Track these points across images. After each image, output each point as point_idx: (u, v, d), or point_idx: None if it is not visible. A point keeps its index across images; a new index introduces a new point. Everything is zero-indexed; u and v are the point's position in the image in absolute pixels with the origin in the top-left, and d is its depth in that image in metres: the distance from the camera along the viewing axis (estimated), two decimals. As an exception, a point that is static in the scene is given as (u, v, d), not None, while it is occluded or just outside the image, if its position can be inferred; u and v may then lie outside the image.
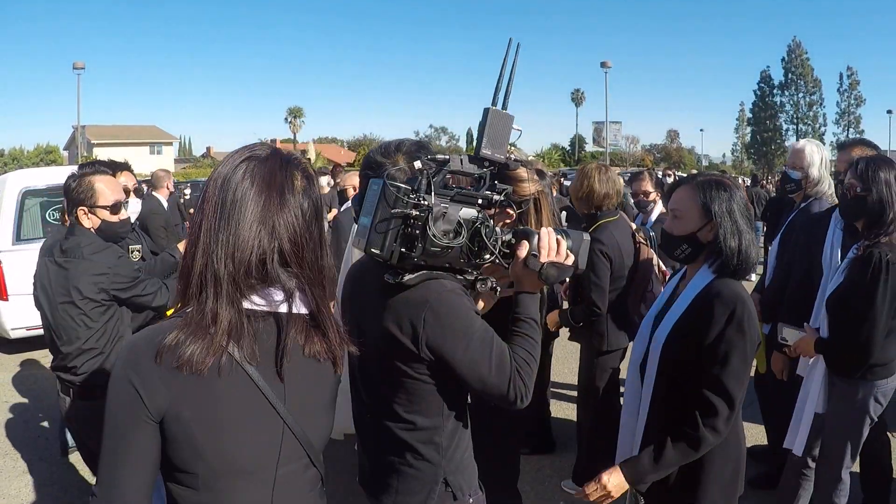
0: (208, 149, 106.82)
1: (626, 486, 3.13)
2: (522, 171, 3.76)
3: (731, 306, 2.99)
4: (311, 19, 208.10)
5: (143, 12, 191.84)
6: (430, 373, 2.52)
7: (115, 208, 4.28)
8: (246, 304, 1.87)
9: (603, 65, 74.09)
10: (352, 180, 8.63)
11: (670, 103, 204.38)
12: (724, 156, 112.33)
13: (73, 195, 4.08)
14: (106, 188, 4.23)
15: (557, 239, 2.60)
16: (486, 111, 2.53)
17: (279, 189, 1.90)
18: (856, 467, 4.56)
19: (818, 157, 5.29)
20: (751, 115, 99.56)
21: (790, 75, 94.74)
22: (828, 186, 5.30)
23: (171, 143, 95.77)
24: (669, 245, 3.29)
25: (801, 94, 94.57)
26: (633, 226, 5.77)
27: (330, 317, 2.03)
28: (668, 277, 5.38)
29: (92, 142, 74.97)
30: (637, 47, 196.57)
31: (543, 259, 2.55)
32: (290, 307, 1.92)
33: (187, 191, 26.75)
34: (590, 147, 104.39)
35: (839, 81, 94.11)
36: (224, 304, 1.82)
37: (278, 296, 1.91)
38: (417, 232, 2.33)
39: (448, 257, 2.44)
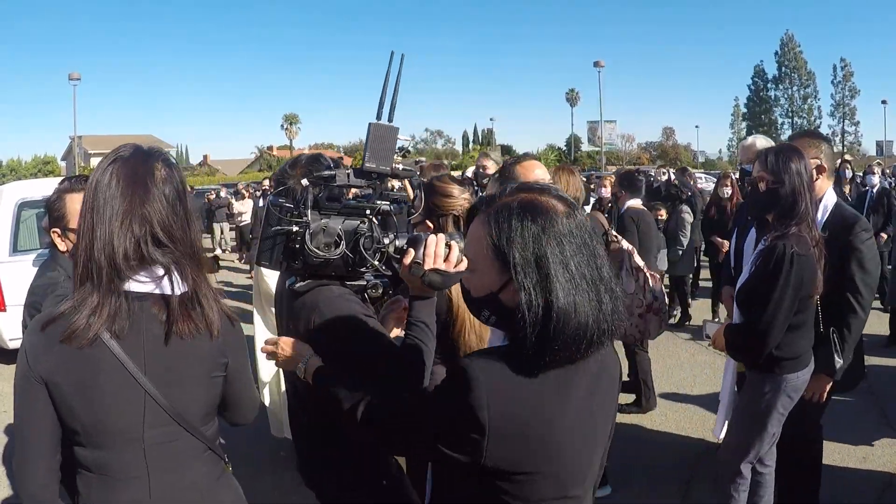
0: (205, 157, 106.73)
1: None
2: (450, 187, 3.74)
3: None
4: (305, 24, 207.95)
5: (137, 22, 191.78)
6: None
7: None
8: (128, 286, 2.19)
9: (596, 64, 74.22)
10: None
11: (665, 100, 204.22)
12: (720, 151, 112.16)
13: (51, 212, 3.68)
14: (79, 209, 3.69)
15: (449, 244, 2.64)
16: (369, 126, 2.73)
17: (142, 182, 2.23)
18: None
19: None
20: (745, 110, 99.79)
21: (784, 69, 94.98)
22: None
23: (167, 151, 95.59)
24: (471, 308, 2.20)
25: (795, 88, 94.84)
26: (605, 224, 5.76)
27: (206, 291, 2.32)
28: (647, 274, 5.44)
29: (89, 152, 75.13)
30: (630, 46, 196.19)
31: (428, 266, 2.59)
32: (172, 286, 2.23)
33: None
34: (585, 147, 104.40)
35: (833, 73, 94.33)
36: (103, 289, 2.16)
37: (160, 272, 2.23)
38: (297, 246, 2.64)
39: (331, 267, 2.72)
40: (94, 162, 68.19)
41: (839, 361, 4.24)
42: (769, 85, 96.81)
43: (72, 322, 2.14)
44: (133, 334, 2.20)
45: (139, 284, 2.21)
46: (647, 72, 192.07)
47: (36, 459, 2.25)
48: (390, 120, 2.77)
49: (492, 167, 7.85)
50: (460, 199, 3.67)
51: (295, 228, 2.63)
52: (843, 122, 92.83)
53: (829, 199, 4.52)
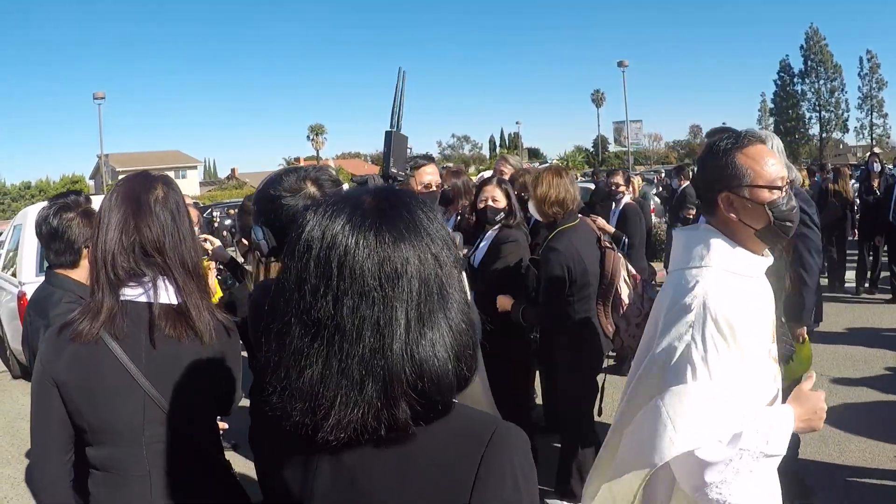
0: (233, 170, 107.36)
1: None
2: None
3: None
4: (329, 34, 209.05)
5: (158, 38, 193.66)
6: None
7: None
8: (124, 292, 2.42)
9: (620, 64, 73.85)
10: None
11: (691, 98, 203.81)
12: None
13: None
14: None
15: None
16: (389, 134, 2.96)
17: (136, 199, 2.48)
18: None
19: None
20: (773, 106, 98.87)
21: (810, 63, 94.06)
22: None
23: (195, 167, 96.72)
24: None
25: (821, 81, 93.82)
26: (598, 231, 5.66)
27: (197, 302, 2.52)
28: (638, 281, 5.37)
29: (116, 169, 75.73)
30: (653, 45, 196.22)
31: None
32: (156, 293, 2.45)
33: (216, 213, 26.82)
34: (612, 147, 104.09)
35: (859, 66, 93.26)
36: (105, 294, 2.40)
37: (148, 278, 2.45)
38: None
39: None
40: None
41: None
42: (795, 79, 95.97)
43: (78, 323, 2.39)
44: (132, 337, 2.42)
45: (132, 291, 2.46)
46: (672, 70, 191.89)
47: (48, 456, 2.48)
48: (399, 129, 3.00)
49: (509, 171, 7.79)
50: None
51: None
52: (872, 114, 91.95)
53: None
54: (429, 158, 4.54)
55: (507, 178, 7.52)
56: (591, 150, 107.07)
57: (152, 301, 2.45)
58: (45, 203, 3.76)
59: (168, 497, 2.47)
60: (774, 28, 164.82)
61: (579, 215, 5.41)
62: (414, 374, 1.32)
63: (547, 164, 7.79)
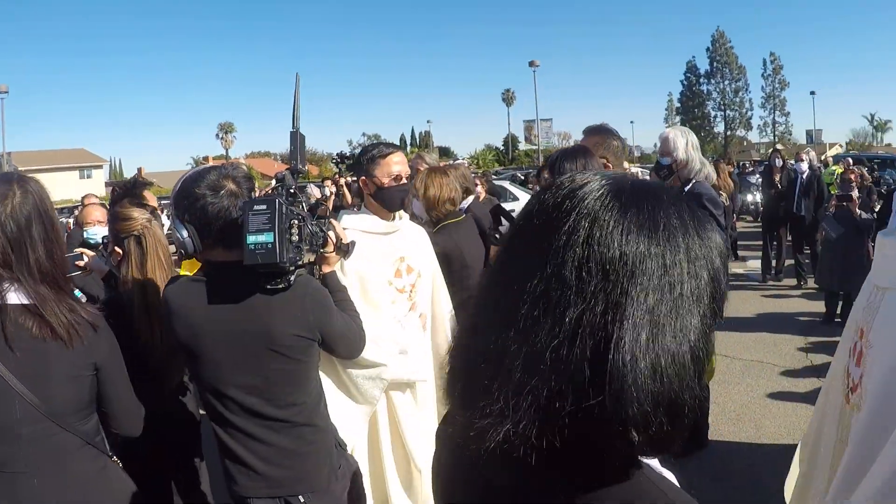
0: (139, 169, 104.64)
1: None
2: (130, 210, 3.71)
3: None
4: (237, 30, 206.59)
5: (63, 32, 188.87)
6: (312, 352, 3.09)
7: None
8: None
9: (531, 64, 74.55)
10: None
11: (600, 97, 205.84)
12: (655, 146, 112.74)
13: None
14: None
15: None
16: (298, 134, 3.26)
17: None
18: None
19: (682, 141, 5.77)
20: (679, 105, 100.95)
21: (715, 64, 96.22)
22: (699, 165, 5.70)
23: (100, 166, 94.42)
24: None
25: (727, 82, 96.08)
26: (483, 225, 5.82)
27: (52, 304, 2.57)
28: None
29: (19, 168, 73.38)
30: (564, 44, 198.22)
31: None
32: (4, 296, 2.50)
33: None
34: (523, 146, 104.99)
35: (763, 67, 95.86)
36: None
37: (5, 283, 2.51)
38: (299, 239, 2.92)
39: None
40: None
41: None
42: (701, 80, 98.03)
43: None
44: (6, 338, 2.49)
45: None
46: (582, 70, 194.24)
47: None
48: (298, 129, 3.27)
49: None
50: (140, 220, 3.66)
51: (296, 223, 2.91)
52: (774, 113, 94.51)
53: None
54: (394, 146, 4.35)
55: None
56: (502, 148, 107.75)
57: (4, 304, 2.52)
58: None
59: (57, 494, 2.58)
60: (682, 31, 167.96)
61: (465, 213, 5.72)
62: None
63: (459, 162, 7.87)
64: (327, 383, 3.66)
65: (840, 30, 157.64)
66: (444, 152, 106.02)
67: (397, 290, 4.41)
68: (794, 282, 13.62)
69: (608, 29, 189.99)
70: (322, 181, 24.38)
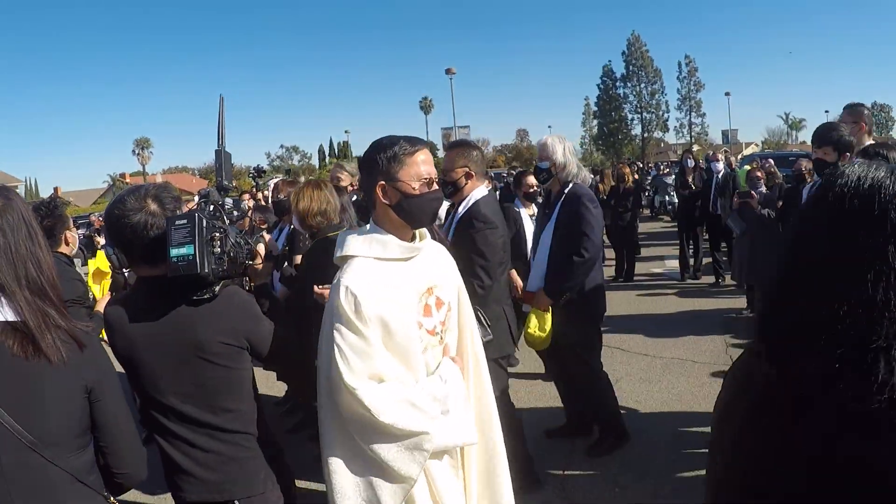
0: (56, 189, 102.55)
1: None
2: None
3: None
4: (150, 43, 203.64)
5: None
6: (242, 359, 3.17)
7: None
8: None
9: (447, 71, 74.75)
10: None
11: (517, 103, 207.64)
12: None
13: None
14: None
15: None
16: (223, 153, 3.48)
17: None
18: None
19: (560, 147, 6.14)
20: (596, 108, 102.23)
21: (631, 67, 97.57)
22: (576, 168, 6.15)
23: (16, 187, 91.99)
24: None
25: (643, 85, 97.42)
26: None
27: (39, 320, 2.35)
28: None
29: (-71, 193, 71.65)
30: (480, 51, 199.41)
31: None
32: None
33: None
34: (441, 153, 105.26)
35: (678, 69, 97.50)
36: None
37: None
38: (222, 252, 3.06)
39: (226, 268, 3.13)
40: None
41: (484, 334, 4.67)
42: (618, 83, 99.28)
43: None
44: None
45: None
46: (499, 76, 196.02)
47: None
48: (224, 147, 3.46)
49: (346, 178, 7.86)
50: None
51: (218, 235, 3.05)
52: (690, 114, 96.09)
53: (473, 196, 5.26)
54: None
55: (344, 184, 7.62)
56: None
57: None
58: None
59: None
60: (598, 35, 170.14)
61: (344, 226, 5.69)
62: None
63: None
64: (347, 459, 3.10)
65: (752, 31, 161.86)
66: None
67: (427, 332, 3.38)
68: (712, 279, 13.88)
69: (524, 34, 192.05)
70: (240, 195, 24.00)
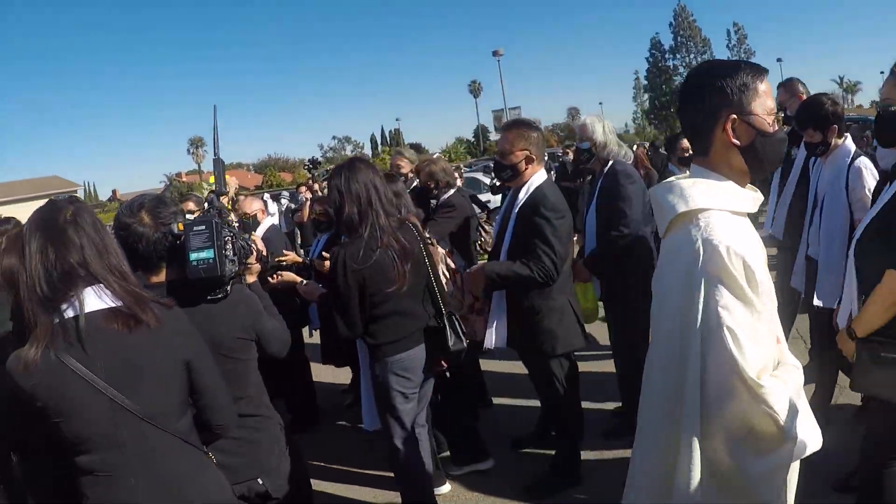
0: (114, 192, 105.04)
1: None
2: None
3: None
4: (199, 42, 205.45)
5: (25, 58, 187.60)
6: (251, 350, 3.50)
7: None
8: (67, 311, 2.56)
9: (495, 53, 74.66)
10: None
11: (567, 82, 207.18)
12: (626, 125, 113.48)
13: None
14: None
15: None
16: (219, 160, 3.81)
17: (50, 225, 2.65)
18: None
19: (599, 126, 6.08)
20: (646, 82, 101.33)
21: (679, 38, 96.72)
22: (616, 146, 6.07)
23: (74, 191, 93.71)
24: None
25: (692, 55, 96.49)
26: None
27: (133, 301, 2.66)
28: (458, 275, 5.67)
29: (-7, 201, 73.26)
30: (527, 31, 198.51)
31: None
32: (81, 304, 2.57)
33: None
34: (493, 136, 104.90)
35: (727, 38, 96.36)
36: (41, 318, 2.54)
37: (81, 292, 2.59)
38: (233, 253, 3.32)
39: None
40: (1, 211, 66.51)
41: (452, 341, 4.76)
42: (667, 55, 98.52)
43: (24, 352, 2.51)
44: (85, 348, 2.54)
45: (72, 308, 2.58)
46: (547, 55, 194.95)
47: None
48: (216, 154, 3.76)
49: (406, 165, 7.90)
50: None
51: (229, 237, 3.32)
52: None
53: (534, 182, 5.15)
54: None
55: (404, 171, 7.74)
56: (473, 140, 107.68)
57: (84, 312, 2.57)
58: None
59: (152, 491, 2.63)
60: (644, 7, 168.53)
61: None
62: None
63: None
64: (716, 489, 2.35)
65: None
66: (416, 148, 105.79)
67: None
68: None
69: (569, 11, 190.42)
70: (297, 188, 24.22)
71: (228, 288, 3.35)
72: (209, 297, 3.30)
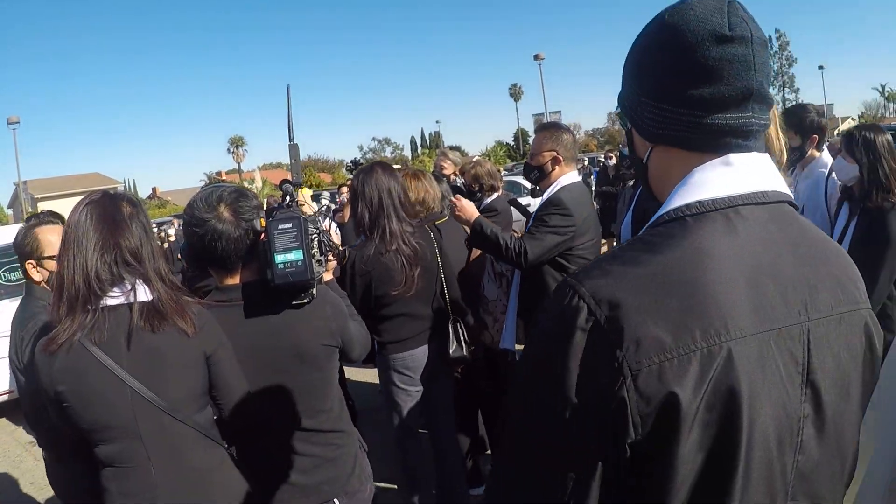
0: (154, 189, 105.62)
1: None
2: None
3: None
4: (241, 42, 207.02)
5: (70, 57, 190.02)
6: (335, 358, 3.24)
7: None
8: (104, 301, 2.61)
9: (536, 57, 74.56)
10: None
11: (607, 86, 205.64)
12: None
13: (20, 249, 3.91)
14: (52, 238, 3.88)
15: None
16: (294, 147, 3.45)
17: (111, 217, 2.68)
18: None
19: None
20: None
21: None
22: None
23: (115, 188, 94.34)
24: None
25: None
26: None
27: (168, 298, 2.71)
28: (503, 279, 5.49)
29: (35, 196, 74.06)
30: (568, 36, 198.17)
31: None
32: (135, 295, 2.64)
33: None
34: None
35: (770, 44, 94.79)
36: (79, 306, 2.58)
37: (128, 286, 2.65)
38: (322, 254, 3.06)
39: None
40: (42, 206, 67.37)
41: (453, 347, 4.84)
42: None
43: (55, 335, 2.57)
44: (112, 340, 2.59)
45: (113, 299, 2.63)
46: (588, 60, 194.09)
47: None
48: (292, 139, 3.43)
49: (449, 167, 7.88)
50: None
51: (315, 236, 3.04)
52: (784, 90, 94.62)
53: (560, 182, 4.92)
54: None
55: (447, 172, 7.69)
56: (512, 143, 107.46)
57: (132, 301, 2.64)
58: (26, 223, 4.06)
59: (172, 485, 2.66)
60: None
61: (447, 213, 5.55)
62: None
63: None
64: None
65: (845, 1, 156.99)
66: (455, 151, 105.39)
67: None
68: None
69: (610, 15, 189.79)
70: (338, 188, 24.31)
71: (314, 291, 3.03)
72: (294, 302, 2.99)
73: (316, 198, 25.56)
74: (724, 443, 1.23)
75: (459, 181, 7.36)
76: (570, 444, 1.24)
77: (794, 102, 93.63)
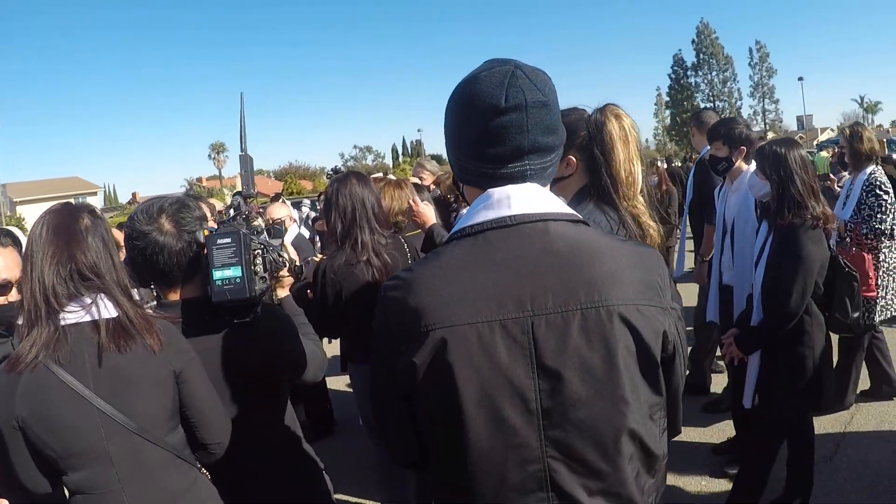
0: (134, 195, 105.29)
1: None
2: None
3: None
4: (222, 46, 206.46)
5: (49, 58, 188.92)
6: (283, 379, 3.15)
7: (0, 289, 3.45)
8: (63, 318, 2.48)
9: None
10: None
11: (588, 95, 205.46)
12: (647, 141, 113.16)
13: None
14: None
15: None
16: (247, 157, 3.02)
17: (67, 230, 2.55)
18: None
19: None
20: (668, 99, 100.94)
21: (702, 56, 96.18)
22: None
23: (95, 193, 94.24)
24: None
25: (714, 73, 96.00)
26: None
27: (135, 313, 2.59)
28: None
29: (14, 200, 73.68)
30: (550, 44, 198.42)
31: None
32: (98, 311, 2.53)
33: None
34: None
35: (749, 55, 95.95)
36: (41, 324, 2.46)
37: (88, 301, 2.53)
38: (266, 270, 2.96)
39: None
40: (21, 210, 67.00)
41: None
42: (689, 72, 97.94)
43: (19, 354, 2.44)
44: (76, 359, 2.46)
45: (72, 315, 2.51)
46: (569, 68, 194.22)
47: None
48: (244, 149, 3.08)
49: (428, 177, 7.88)
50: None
51: (259, 251, 2.93)
52: (763, 101, 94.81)
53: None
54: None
55: (426, 183, 7.64)
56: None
57: (97, 318, 2.53)
58: None
59: None
60: (667, 24, 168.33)
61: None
62: None
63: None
64: None
65: (825, 14, 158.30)
66: (436, 160, 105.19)
67: None
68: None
69: (592, 26, 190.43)
70: (318, 196, 24.30)
71: (258, 309, 2.90)
72: (236, 321, 2.86)
73: (297, 205, 25.53)
74: (446, 394, 1.73)
75: (438, 192, 7.38)
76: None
77: (773, 114, 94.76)
